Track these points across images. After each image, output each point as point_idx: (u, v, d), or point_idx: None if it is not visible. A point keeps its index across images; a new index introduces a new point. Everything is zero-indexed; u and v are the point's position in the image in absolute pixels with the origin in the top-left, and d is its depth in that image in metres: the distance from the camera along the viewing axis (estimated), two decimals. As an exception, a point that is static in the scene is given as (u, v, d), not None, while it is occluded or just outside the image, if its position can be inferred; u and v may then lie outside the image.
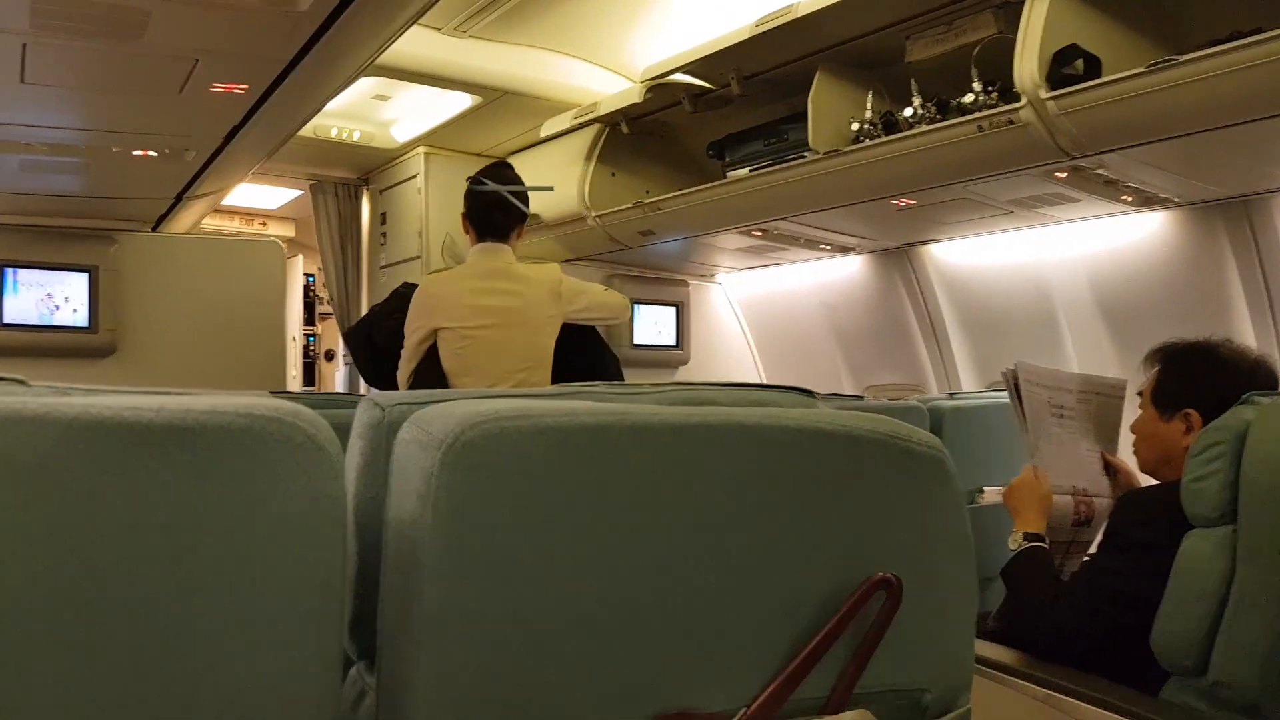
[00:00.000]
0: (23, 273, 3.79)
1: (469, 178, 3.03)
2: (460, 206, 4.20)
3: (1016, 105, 2.40)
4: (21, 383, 0.73)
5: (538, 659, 0.79)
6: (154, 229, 4.08)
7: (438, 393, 0.96)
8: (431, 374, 2.85)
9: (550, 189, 3.63)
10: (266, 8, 1.65)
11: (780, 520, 0.89)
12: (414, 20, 1.93)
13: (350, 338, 3.30)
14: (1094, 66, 2.33)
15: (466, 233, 3.02)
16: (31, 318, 3.81)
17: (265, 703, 0.71)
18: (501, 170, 3.09)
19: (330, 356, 7.02)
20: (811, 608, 0.90)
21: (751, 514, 0.88)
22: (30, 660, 0.62)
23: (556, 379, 2.91)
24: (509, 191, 2.92)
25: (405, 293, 3.04)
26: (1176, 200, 2.92)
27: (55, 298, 3.83)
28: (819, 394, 1.13)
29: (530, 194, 3.29)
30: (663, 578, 0.84)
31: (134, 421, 0.65)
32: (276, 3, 1.61)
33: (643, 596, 0.83)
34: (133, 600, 0.65)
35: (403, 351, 2.89)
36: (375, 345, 3.05)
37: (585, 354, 3.03)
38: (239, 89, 2.15)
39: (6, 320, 3.76)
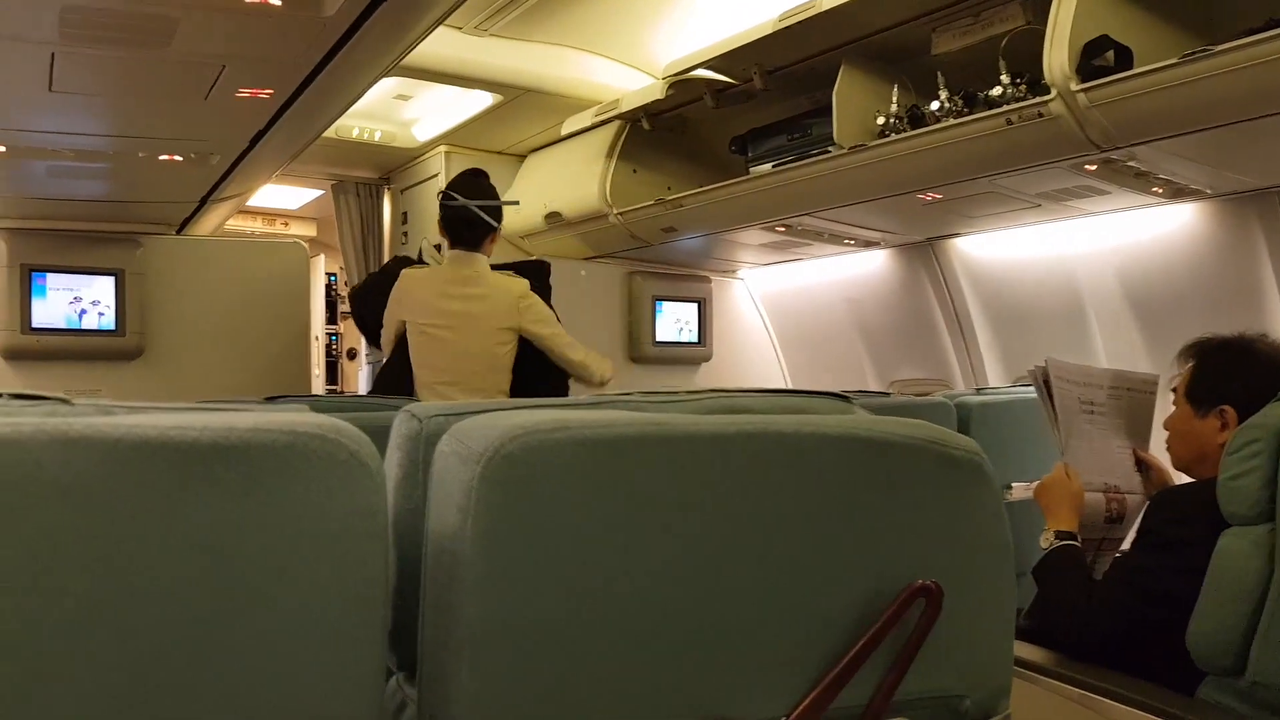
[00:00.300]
0: (51, 277, 3.81)
1: (440, 192, 3.23)
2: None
3: (1046, 98, 2.37)
4: (65, 401, 0.73)
5: (578, 671, 0.79)
6: (178, 231, 4.10)
7: (472, 405, 0.96)
8: (404, 354, 3.14)
9: (516, 203, 3.72)
10: (292, 14, 1.65)
11: (819, 528, 0.89)
12: (438, 24, 1.93)
13: (352, 301, 3.58)
14: (1125, 58, 2.30)
15: (442, 236, 3.21)
16: (59, 321, 3.84)
17: (310, 715, 0.71)
18: (475, 180, 3.25)
19: (353, 355, 7.06)
20: (850, 616, 0.90)
21: (790, 522, 0.88)
22: (79, 678, 0.63)
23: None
24: (478, 206, 3.12)
25: (393, 270, 3.32)
26: (1208, 192, 2.88)
27: (83, 301, 3.86)
28: (849, 391, 1.12)
29: (549, 189, 3.44)
30: (701, 587, 0.84)
31: (179, 441, 0.65)
32: (302, 9, 1.61)
33: (682, 606, 0.83)
34: (178, 617, 0.66)
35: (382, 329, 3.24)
36: (364, 319, 3.38)
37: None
38: (264, 94, 2.16)
39: (35, 324, 3.79)
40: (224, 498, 0.67)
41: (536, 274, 3.38)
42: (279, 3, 1.58)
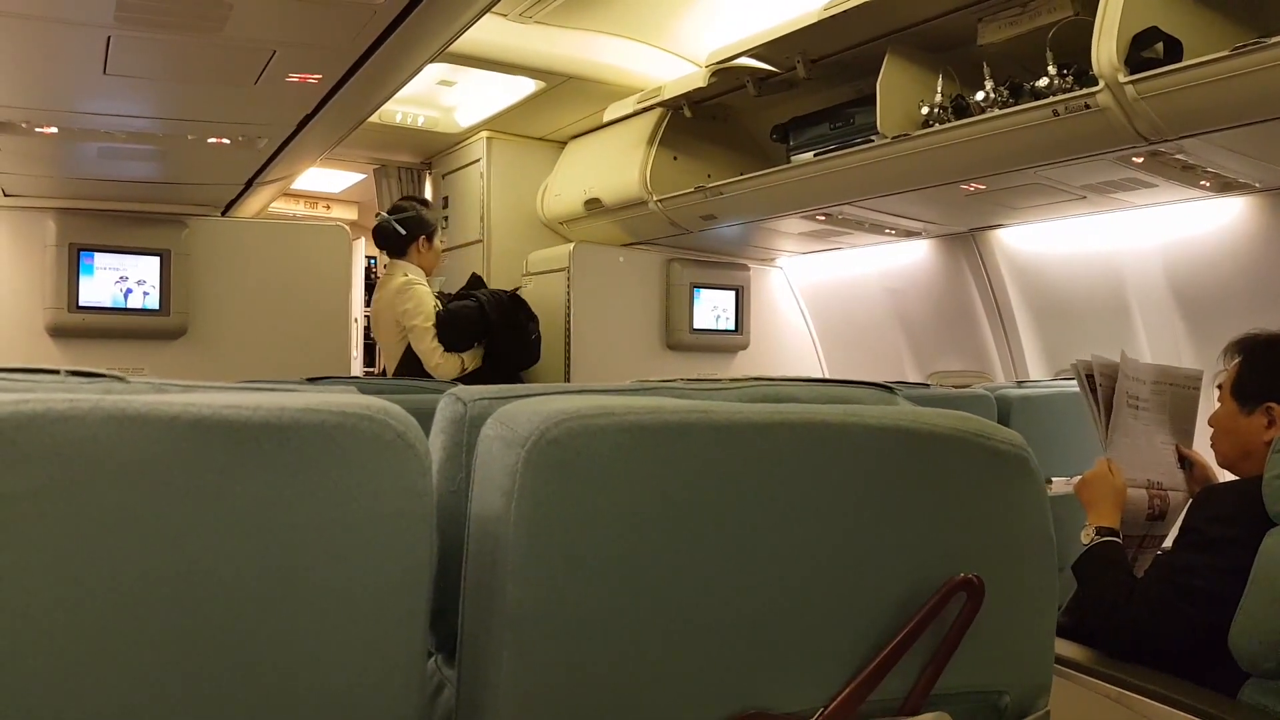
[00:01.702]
0: (98, 256, 3.86)
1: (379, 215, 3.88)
2: (523, 191, 4.41)
3: (1094, 89, 2.34)
4: (120, 379, 0.75)
5: (617, 657, 0.80)
6: (223, 213, 4.15)
7: (517, 388, 0.96)
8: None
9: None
10: (344, 0, 1.67)
11: (862, 519, 0.89)
12: (485, 10, 1.94)
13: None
14: (1174, 49, 2.27)
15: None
16: (105, 300, 3.88)
17: (354, 691, 0.72)
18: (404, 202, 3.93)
19: (392, 337, 7.09)
20: (891, 608, 0.90)
21: (833, 513, 0.88)
22: (131, 651, 0.64)
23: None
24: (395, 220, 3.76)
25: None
26: (1257, 186, 2.84)
27: (129, 280, 3.91)
28: (888, 382, 1.12)
29: (589, 175, 4.16)
30: (742, 576, 0.84)
31: (233, 419, 0.67)
32: (354, -6, 1.63)
33: (722, 594, 0.83)
34: (230, 592, 0.67)
35: None
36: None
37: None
38: (313, 79, 2.18)
39: (82, 303, 3.84)
40: (275, 476, 0.68)
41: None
42: (331, -11, 1.60)
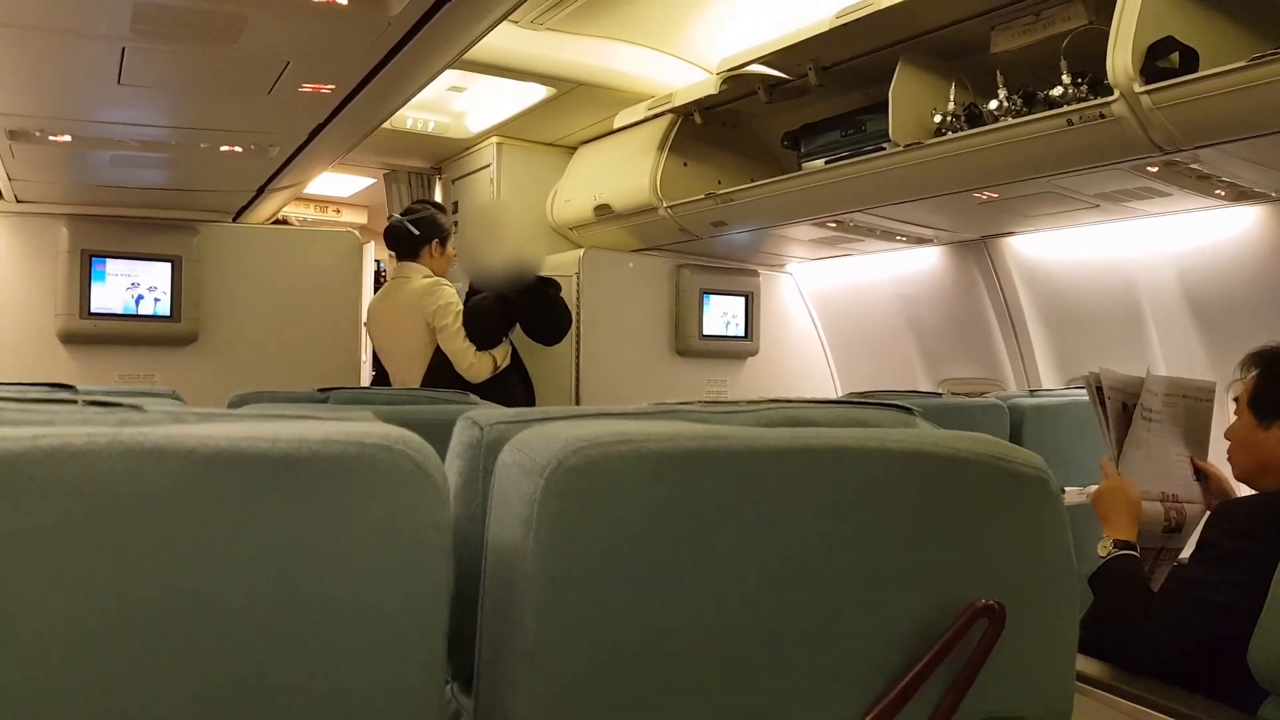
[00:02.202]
0: (110, 262, 3.86)
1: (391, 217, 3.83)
2: (532, 196, 4.40)
3: (1109, 99, 2.32)
4: (137, 408, 0.74)
5: (638, 686, 0.79)
6: (235, 219, 4.15)
7: (533, 411, 0.96)
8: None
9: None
10: (358, 12, 1.66)
11: (882, 545, 0.88)
12: (500, 20, 1.94)
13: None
14: (1190, 59, 2.25)
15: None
16: (117, 307, 3.89)
17: None
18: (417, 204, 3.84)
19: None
20: (911, 634, 0.89)
21: (853, 539, 0.87)
22: (151, 685, 0.64)
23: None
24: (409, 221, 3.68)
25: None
26: (1274, 195, 2.82)
27: (140, 287, 3.91)
28: (899, 390, 1.11)
29: (599, 181, 4.10)
30: (763, 604, 0.83)
31: (251, 452, 0.66)
32: (368, 7, 1.63)
33: (743, 623, 0.83)
34: (247, 624, 0.66)
35: None
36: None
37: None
38: (326, 89, 2.18)
39: (94, 309, 3.84)
40: (294, 508, 0.67)
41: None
42: (345, 2, 1.59)
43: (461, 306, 3.53)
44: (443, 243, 3.71)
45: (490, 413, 0.95)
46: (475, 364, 3.49)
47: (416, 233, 3.63)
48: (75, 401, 0.73)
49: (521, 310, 3.59)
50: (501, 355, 3.59)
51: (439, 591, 0.74)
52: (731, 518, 0.82)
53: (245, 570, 0.66)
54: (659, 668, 0.80)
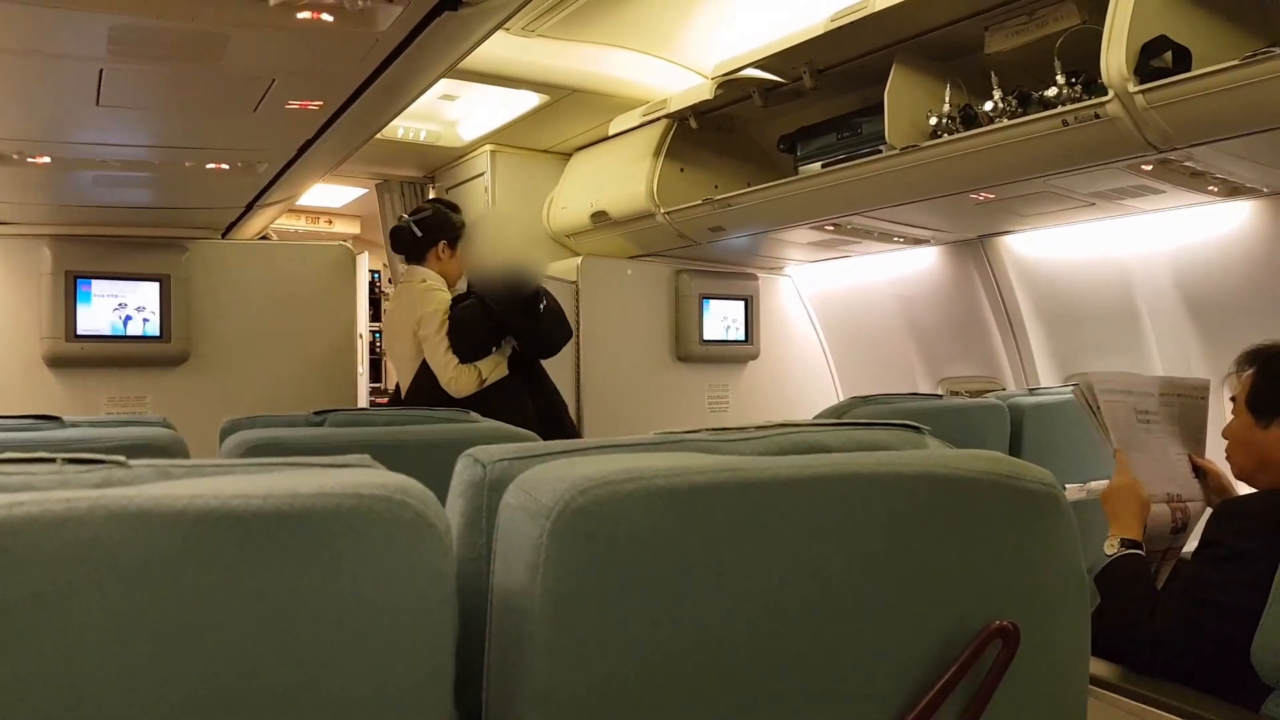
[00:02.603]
0: (96, 283, 3.78)
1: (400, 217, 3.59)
2: (527, 204, 4.33)
3: (1103, 99, 2.32)
4: (121, 463, 0.71)
5: (651, 731, 0.77)
6: (224, 235, 4.10)
7: (536, 446, 0.93)
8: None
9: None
10: (345, 30, 1.63)
11: (895, 570, 0.87)
12: (491, 34, 1.91)
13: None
14: (1184, 58, 2.24)
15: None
16: (104, 328, 3.80)
17: None
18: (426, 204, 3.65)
19: (396, 352, 7.08)
20: (926, 658, 0.87)
21: (866, 565, 0.85)
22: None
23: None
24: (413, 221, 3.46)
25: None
26: (1265, 190, 2.82)
27: (128, 307, 3.83)
28: (900, 393, 1.09)
29: (595, 188, 3.99)
30: (776, 634, 0.81)
31: (242, 510, 0.63)
32: (355, 25, 1.60)
33: (757, 656, 0.81)
34: (245, 689, 0.64)
35: None
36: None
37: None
38: (314, 105, 2.15)
39: (80, 331, 3.75)
40: (289, 567, 0.65)
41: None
42: (331, 19, 1.56)
43: (441, 321, 3.28)
44: (451, 244, 3.43)
45: (492, 448, 0.93)
46: (456, 378, 3.23)
47: (419, 234, 3.38)
48: (53, 460, 0.69)
49: (505, 320, 3.30)
50: (489, 368, 3.29)
51: (443, 642, 0.72)
52: (744, 551, 0.80)
53: (241, 635, 0.63)
54: (672, 708, 0.78)
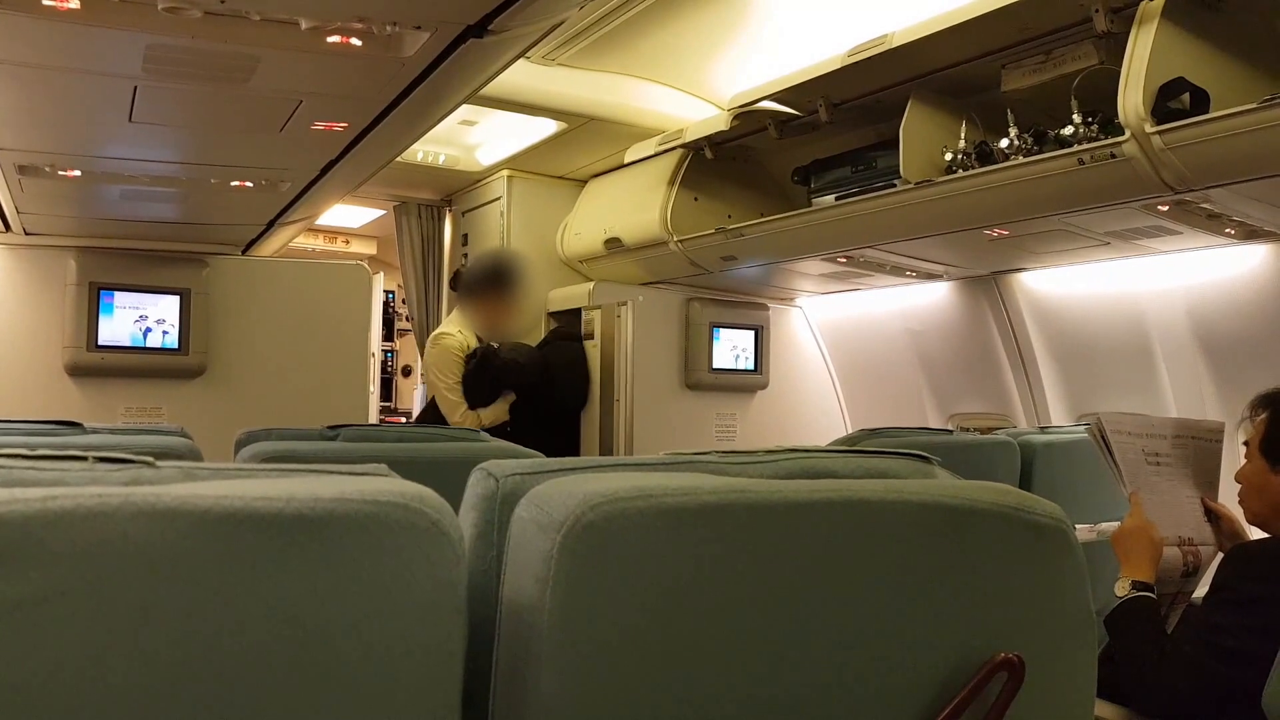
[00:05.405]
0: (118, 295, 3.86)
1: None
2: (543, 229, 4.38)
3: (1120, 139, 2.33)
4: (149, 464, 0.73)
5: (656, 747, 0.78)
6: (244, 252, 4.15)
7: (549, 462, 0.95)
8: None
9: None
10: (372, 54, 1.67)
11: (901, 597, 0.87)
12: (514, 61, 1.95)
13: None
14: (1201, 100, 2.25)
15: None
16: (124, 340, 3.88)
17: None
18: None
19: (408, 372, 7.12)
20: (931, 687, 0.87)
21: (873, 591, 0.86)
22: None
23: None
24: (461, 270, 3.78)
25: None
26: (1283, 233, 2.82)
27: (148, 320, 3.90)
28: (910, 428, 1.10)
29: (609, 215, 4.16)
30: (782, 657, 0.82)
31: (265, 512, 0.65)
32: (382, 49, 1.63)
33: (763, 678, 0.81)
34: (261, 686, 0.65)
35: None
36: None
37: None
38: (339, 127, 2.19)
39: (101, 342, 3.83)
40: (308, 567, 0.66)
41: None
42: (360, 44, 1.60)
43: (451, 365, 3.57)
44: (483, 298, 3.71)
45: (505, 463, 0.94)
46: (459, 423, 3.50)
47: (453, 289, 3.74)
48: (85, 458, 0.72)
49: (504, 382, 3.64)
50: (491, 416, 3.60)
51: (453, 650, 0.73)
52: (750, 571, 0.81)
53: (259, 632, 0.65)
54: None
